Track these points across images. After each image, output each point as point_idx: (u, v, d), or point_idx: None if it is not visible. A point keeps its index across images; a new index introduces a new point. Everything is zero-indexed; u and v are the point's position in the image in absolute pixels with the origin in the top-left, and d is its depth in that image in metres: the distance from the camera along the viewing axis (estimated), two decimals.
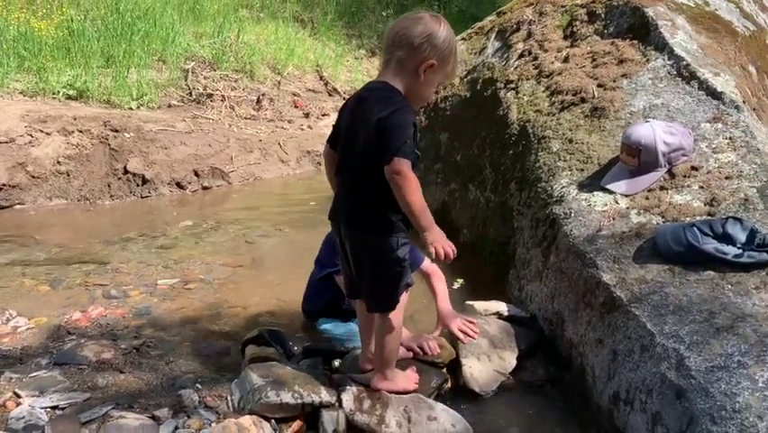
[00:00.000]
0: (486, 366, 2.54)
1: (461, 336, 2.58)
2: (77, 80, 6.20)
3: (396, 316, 2.25)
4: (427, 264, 2.76)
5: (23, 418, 2.11)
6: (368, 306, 2.27)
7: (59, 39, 6.70)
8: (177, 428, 2.12)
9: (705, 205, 2.56)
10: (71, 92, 6.11)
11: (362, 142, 2.09)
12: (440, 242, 2.03)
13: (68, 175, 5.08)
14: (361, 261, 2.19)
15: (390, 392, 2.28)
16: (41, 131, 5.17)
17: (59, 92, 6.04)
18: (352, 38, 10.32)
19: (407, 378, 2.37)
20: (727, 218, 2.37)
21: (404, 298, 2.25)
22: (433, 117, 4.41)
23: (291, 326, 2.99)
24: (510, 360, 2.61)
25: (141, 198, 5.17)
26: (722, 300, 2.17)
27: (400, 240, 2.14)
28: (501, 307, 2.88)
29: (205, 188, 5.44)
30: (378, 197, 2.08)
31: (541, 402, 2.49)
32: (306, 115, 7.48)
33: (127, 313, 3.07)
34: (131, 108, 6.19)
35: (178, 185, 5.33)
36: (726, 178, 2.62)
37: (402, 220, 2.13)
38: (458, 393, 2.48)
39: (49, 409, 2.18)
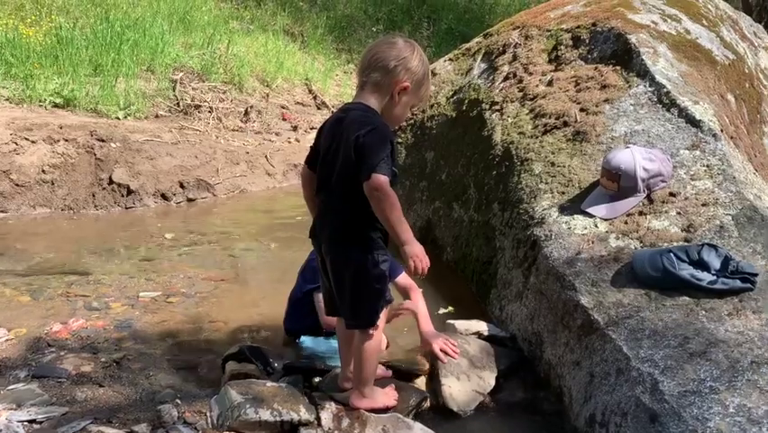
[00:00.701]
0: (465, 386, 2.56)
1: (441, 355, 2.61)
2: (65, 88, 6.19)
3: (375, 333, 2.27)
4: (404, 278, 2.80)
5: (0, 431, 2.10)
6: (347, 323, 2.29)
7: (48, 46, 6.68)
8: None
9: (682, 231, 2.62)
10: (58, 100, 6.09)
11: (342, 161, 2.15)
12: (419, 256, 2.10)
13: (53, 184, 5.07)
14: (342, 277, 2.22)
15: (370, 410, 2.29)
16: (27, 139, 5.15)
17: (45, 100, 6.02)
18: (342, 52, 10.38)
19: (387, 395, 2.39)
20: (703, 245, 2.42)
21: (383, 314, 2.28)
22: (419, 136, 4.46)
23: (272, 342, 3.00)
24: (489, 380, 2.63)
25: (126, 208, 5.16)
26: (696, 326, 2.21)
27: (380, 256, 2.18)
28: (482, 326, 2.91)
29: (190, 199, 5.44)
30: (357, 214, 2.13)
31: (519, 423, 2.51)
32: (294, 128, 7.50)
33: (108, 325, 3.07)
34: (117, 118, 6.18)
35: (163, 196, 5.32)
36: (703, 205, 2.68)
37: (381, 237, 2.19)
38: (437, 413, 2.50)
39: (26, 423, 2.17)
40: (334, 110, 8.52)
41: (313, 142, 2.35)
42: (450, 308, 3.38)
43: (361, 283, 2.20)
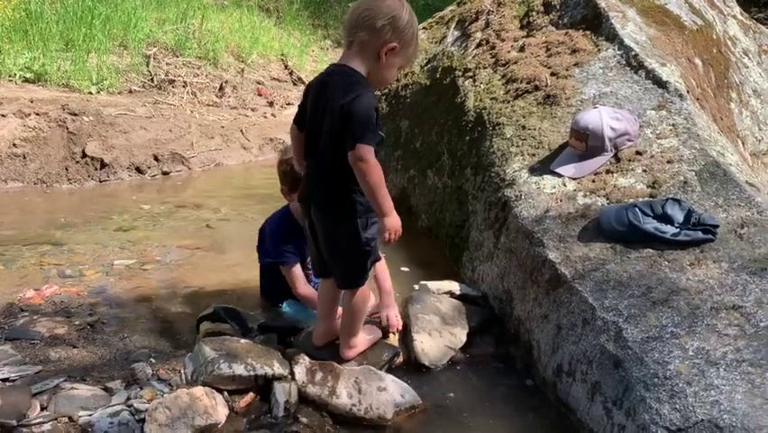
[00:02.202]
0: (437, 341, 2.61)
1: (385, 322, 2.63)
2: (35, 63, 6.09)
3: (364, 290, 2.34)
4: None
5: None
6: (338, 283, 2.35)
7: (17, 21, 6.56)
8: (129, 398, 2.14)
9: (647, 187, 2.67)
10: (29, 75, 6.00)
11: (327, 127, 2.14)
12: (394, 229, 2.15)
13: (25, 158, 5.00)
14: (332, 241, 2.27)
15: (361, 354, 2.41)
16: None
17: (15, 75, 5.92)
18: (318, 28, 10.32)
19: (370, 330, 2.49)
20: (667, 199, 2.48)
21: (372, 271, 2.38)
22: (393, 105, 4.47)
23: (247, 305, 3.01)
24: (461, 336, 2.68)
25: (100, 182, 5.11)
26: (659, 276, 2.28)
27: (369, 219, 2.23)
28: (454, 286, 2.96)
29: (164, 173, 5.40)
30: (346, 179, 2.14)
31: (489, 376, 2.57)
32: (270, 104, 7.46)
33: (82, 291, 3.07)
34: (90, 93, 6.10)
35: (138, 169, 5.28)
36: (668, 162, 2.74)
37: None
38: (409, 367, 2.54)
39: None
40: None
41: (300, 101, 2.33)
42: (406, 268, 3.42)
43: (353, 246, 2.24)
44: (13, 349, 2.42)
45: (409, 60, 2.33)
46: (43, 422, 1.99)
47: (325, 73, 2.24)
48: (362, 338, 2.46)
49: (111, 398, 2.14)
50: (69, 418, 2.02)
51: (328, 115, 2.13)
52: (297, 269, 2.82)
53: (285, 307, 2.95)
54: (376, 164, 2.07)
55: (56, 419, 2.02)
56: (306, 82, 8.65)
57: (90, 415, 2.04)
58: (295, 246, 2.80)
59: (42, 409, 2.05)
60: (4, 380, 2.20)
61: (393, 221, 2.14)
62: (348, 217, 2.20)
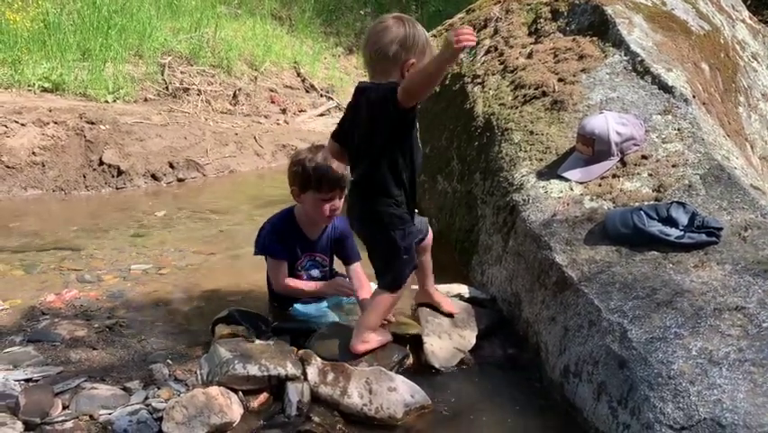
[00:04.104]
0: (446, 343, 2.66)
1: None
2: (53, 73, 6.23)
3: (396, 296, 2.51)
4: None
5: None
6: (379, 283, 2.52)
7: (35, 32, 6.71)
8: (147, 398, 2.21)
9: (653, 191, 2.72)
10: (47, 84, 6.14)
11: (362, 138, 2.33)
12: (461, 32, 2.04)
13: (44, 166, 5.12)
14: (375, 251, 2.48)
15: (369, 352, 2.49)
16: (16, 122, 5.20)
17: (34, 84, 6.06)
18: (330, 36, 10.42)
19: (382, 333, 2.58)
20: (672, 203, 2.52)
21: (408, 280, 2.53)
22: None
23: (261, 308, 3.07)
24: (470, 338, 2.73)
25: (117, 189, 5.22)
26: (663, 278, 2.32)
27: (406, 231, 2.40)
28: (463, 289, 3.01)
29: (180, 179, 5.51)
30: (383, 193, 2.33)
31: (498, 378, 2.61)
32: (283, 111, 7.56)
33: (101, 296, 3.15)
34: (107, 101, 6.23)
35: (154, 177, 5.39)
36: (673, 166, 2.78)
37: (406, 212, 2.40)
38: (419, 369, 2.59)
39: (22, 382, 2.26)
40: (323, 93, 8.60)
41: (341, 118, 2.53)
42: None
43: (392, 255, 2.42)
44: (35, 351, 2.50)
45: None
46: (65, 420, 2.07)
47: (361, 89, 2.36)
48: (374, 338, 2.53)
49: (130, 397, 2.21)
50: (90, 416, 2.09)
51: (364, 124, 2.28)
52: (282, 265, 2.84)
53: (296, 309, 3.01)
54: (409, 77, 2.18)
55: (77, 417, 2.09)
56: (319, 89, 8.75)
57: (110, 414, 2.11)
58: (287, 245, 2.84)
59: (64, 407, 2.13)
60: (28, 380, 2.28)
61: (450, 38, 2.03)
62: (387, 231, 2.38)
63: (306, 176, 2.67)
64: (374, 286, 2.79)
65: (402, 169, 2.33)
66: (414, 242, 2.47)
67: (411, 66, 2.24)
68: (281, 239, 2.84)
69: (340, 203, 2.78)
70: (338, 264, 3.04)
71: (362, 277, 2.90)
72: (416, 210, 2.57)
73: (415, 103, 2.20)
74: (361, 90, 2.35)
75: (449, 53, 2.06)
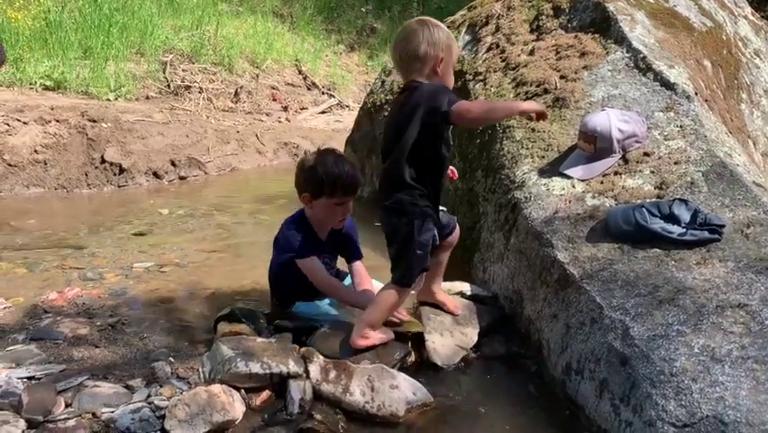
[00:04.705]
0: (448, 341, 2.66)
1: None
2: (55, 71, 6.24)
3: (404, 292, 2.51)
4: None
5: (0, 387, 2.19)
6: (392, 278, 2.51)
7: (36, 30, 6.72)
8: (149, 396, 2.21)
9: (655, 188, 2.71)
10: (48, 83, 6.15)
11: (394, 131, 2.40)
12: (532, 108, 2.36)
13: (46, 164, 5.13)
14: (393, 242, 2.48)
15: (368, 348, 2.49)
16: (18, 120, 5.21)
17: (36, 82, 6.07)
18: (332, 33, 10.42)
19: (383, 332, 2.57)
20: (674, 200, 2.51)
21: (418, 280, 2.53)
22: None
23: (264, 306, 3.08)
24: (472, 336, 2.73)
25: (119, 187, 5.23)
26: (666, 275, 2.31)
27: (426, 225, 2.40)
28: (465, 287, 3.01)
29: (181, 177, 5.51)
30: (408, 182, 2.38)
31: (500, 375, 2.61)
32: (285, 109, 7.57)
33: (103, 294, 3.16)
34: (108, 99, 6.24)
35: (155, 174, 5.39)
36: (675, 163, 2.77)
37: (430, 206, 2.42)
38: (421, 367, 2.59)
39: (25, 380, 2.26)
40: (324, 90, 8.59)
41: None
42: None
43: (407, 247, 2.42)
44: (38, 349, 2.50)
45: (457, 56, 2.69)
46: (68, 418, 2.07)
47: (413, 87, 2.42)
48: (375, 334, 2.53)
49: (132, 395, 2.21)
50: (93, 414, 2.09)
51: (405, 117, 2.35)
52: (315, 260, 2.81)
53: (298, 307, 3.01)
54: (475, 105, 2.43)
55: (80, 415, 2.09)
56: (320, 87, 8.78)
57: (112, 412, 2.11)
58: (310, 243, 2.84)
59: (67, 405, 2.13)
60: (31, 378, 2.28)
61: (528, 105, 2.40)
62: (405, 218, 2.39)
63: (318, 183, 2.69)
64: (378, 285, 2.81)
65: (432, 164, 2.41)
66: (430, 243, 2.45)
67: (441, 62, 2.38)
68: (306, 241, 2.82)
69: (351, 206, 2.79)
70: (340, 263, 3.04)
71: (365, 273, 2.91)
72: (444, 208, 2.62)
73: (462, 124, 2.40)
74: (411, 88, 2.41)
75: (517, 110, 2.45)
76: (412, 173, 2.36)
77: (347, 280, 2.99)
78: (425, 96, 2.32)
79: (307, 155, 2.86)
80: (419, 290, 2.82)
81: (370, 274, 2.94)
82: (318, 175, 2.68)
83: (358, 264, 2.94)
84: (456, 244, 3.63)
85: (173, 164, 5.52)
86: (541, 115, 2.34)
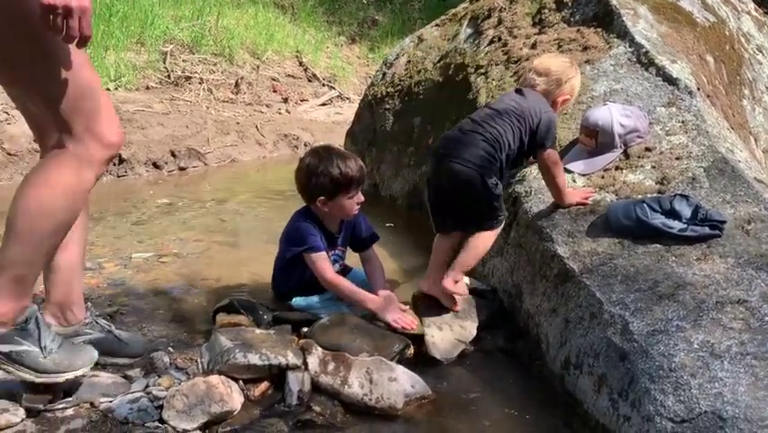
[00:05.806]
0: (447, 335, 2.66)
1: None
2: None
3: (494, 234, 2.72)
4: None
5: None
6: (477, 227, 2.69)
7: None
8: (147, 386, 2.21)
9: (656, 183, 2.71)
10: None
11: (509, 112, 2.76)
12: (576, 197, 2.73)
13: None
14: (476, 201, 2.64)
15: (453, 295, 2.69)
16: (17, 109, 5.17)
17: None
18: (333, 24, 10.39)
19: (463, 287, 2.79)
20: (675, 195, 2.51)
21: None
22: (407, 102, 4.52)
23: (262, 297, 3.07)
24: (471, 330, 2.73)
25: (118, 177, 5.22)
26: (666, 270, 2.31)
27: (499, 186, 2.67)
28: (464, 280, 3.00)
29: (181, 168, 5.50)
30: (496, 148, 2.65)
31: (499, 369, 2.61)
32: (285, 100, 7.55)
33: (101, 283, 3.15)
34: (108, 89, 6.20)
35: (155, 165, 5.38)
36: (677, 158, 2.76)
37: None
38: (420, 360, 2.59)
39: None
40: (325, 82, 8.55)
41: None
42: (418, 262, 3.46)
43: (492, 198, 2.65)
44: None
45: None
46: (66, 407, 2.07)
47: (524, 95, 2.78)
48: (462, 284, 2.74)
49: (130, 385, 2.21)
50: (91, 403, 2.09)
51: (508, 111, 2.67)
52: (324, 256, 2.80)
53: (296, 301, 3.01)
54: (554, 174, 2.73)
55: (78, 404, 2.09)
56: (321, 79, 8.75)
57: (111, 401, 2.11)
58: (322, 237, 2.84)
59: (66, 395, 2.13)
60: None
61: (573, 197, 2.74)
62: (489, 175, 2.60)
63: (334, 185, 2.72)
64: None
65: (508, 151, 2.67)
66: (501, 192, 2.70)
67: (564, 101, 2.87)
68: (312, 232, 2.81)
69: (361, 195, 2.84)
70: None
71: (378, 265, 2.94)
72: None
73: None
74: (522, 92, 2.77)
75: (567, 203, 2.73)
76: (497, 142, 2.64)
77: (353, 276, 2.99)
78: (543, 120, 2.67)
79: (307, 160, 2.82)
80: (423, 280, 2.82)
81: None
82: (334, 177, 2.70)
83: (370, 253, 2.96)
84: None
85: (173, 155, 5.51)
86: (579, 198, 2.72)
